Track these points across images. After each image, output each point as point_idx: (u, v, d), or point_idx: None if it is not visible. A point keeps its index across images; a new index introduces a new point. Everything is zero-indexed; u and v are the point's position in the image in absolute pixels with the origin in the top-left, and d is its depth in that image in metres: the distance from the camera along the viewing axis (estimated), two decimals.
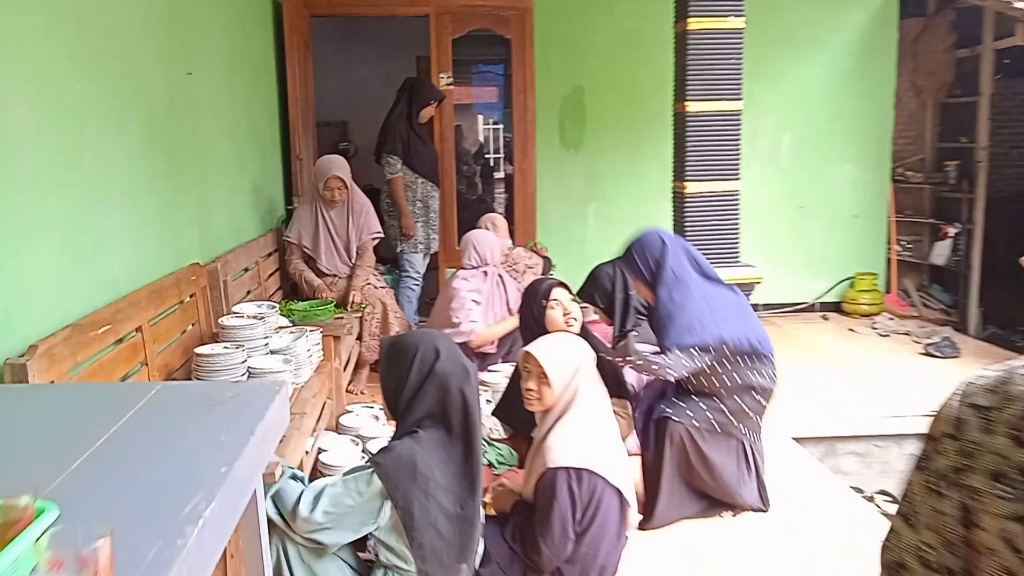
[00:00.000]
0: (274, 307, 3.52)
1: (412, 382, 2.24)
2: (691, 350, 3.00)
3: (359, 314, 4.80)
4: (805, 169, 6.71)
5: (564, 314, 3.34)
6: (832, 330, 6.43)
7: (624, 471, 2.62)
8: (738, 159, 4.31)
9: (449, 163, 6.55)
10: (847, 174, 6.87)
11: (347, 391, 4.81)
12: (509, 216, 6.91)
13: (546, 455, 2.53)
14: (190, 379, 2.97)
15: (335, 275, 5.03)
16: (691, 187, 4.23)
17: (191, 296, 3.47)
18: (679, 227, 4.41)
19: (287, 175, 5.81)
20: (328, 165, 4.88)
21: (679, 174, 4.35)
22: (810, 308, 6.95)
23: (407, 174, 5.78)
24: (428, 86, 5.97)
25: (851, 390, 4.86)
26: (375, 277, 5.14)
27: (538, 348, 2.68)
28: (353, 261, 5.03)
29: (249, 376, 3.03)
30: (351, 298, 4.80)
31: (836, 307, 6.98)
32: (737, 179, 4.31)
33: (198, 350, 2.97)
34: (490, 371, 4.71)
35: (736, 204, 4.33)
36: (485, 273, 4.83)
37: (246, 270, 4.46)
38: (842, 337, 6.18)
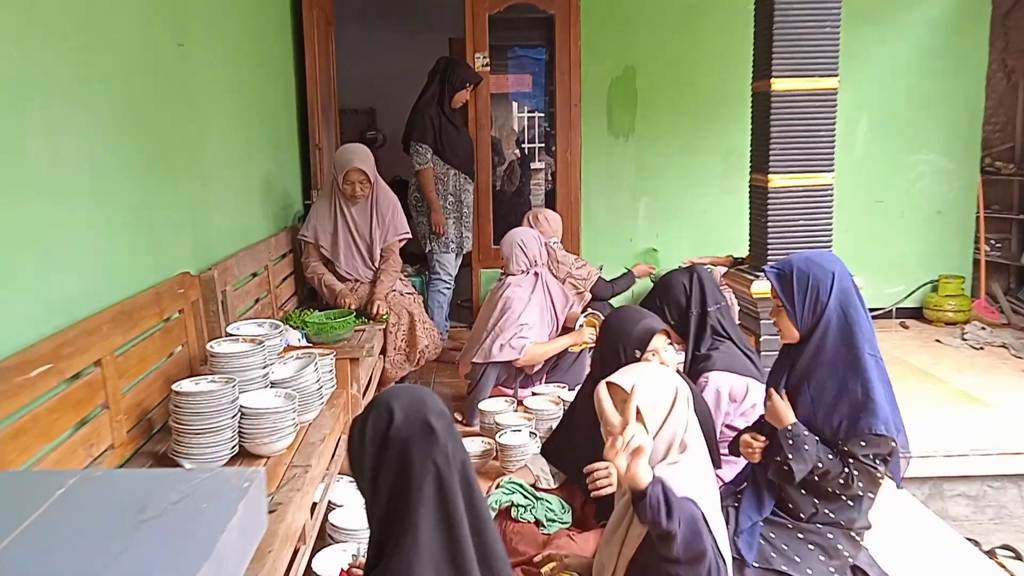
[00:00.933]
0: (278, 327, 2.91)
1: (367, 463, 1.62)
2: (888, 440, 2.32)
3: (383, 326, 4.19)
4: (883, 159, 5.97)
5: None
6: (915, 341, 5.70)
7: None
8: (832, 147, 3.62)
9: (484, 153, 5.93)
10: (930, 165, 6.12)
11: None
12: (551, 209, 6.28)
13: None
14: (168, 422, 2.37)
15: (357, 280, 4.43)
16: (776, 180, 3.56)
17: (179, 313, 2.87)
18: (758, 229, 3.73)
19: (305, 167, 5.21)
20: (348, 156, 4.27)
21: (760, 164, 3.68)
22: (887, 315, 6.22)
23: (438, 165, 5.17)
24: (463, 67, 5.34)
25: (952, 417, 4.16)
26: (402, 283, 4.52)
27: (627, 381, 2.01)
28: (377, 265, 4.42)
29: (242, 418, 2.43)
30: (374, 308, 4.19)
31: (916, 314, 6.24)
32: (831, 171, 3.63)
33: (176, 387, 2.37)
34: (534, 394, 4.07)
35: (829, 201, 3.65)
36: (536, 275, 4.21)
37: (255, 275, 3.87)
38: (929, 350, 5.46)
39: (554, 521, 2.78)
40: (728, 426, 3.10)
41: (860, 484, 2.33)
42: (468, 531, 1.58)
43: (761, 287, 3.57)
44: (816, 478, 2.38)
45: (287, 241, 4.48)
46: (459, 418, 4.16)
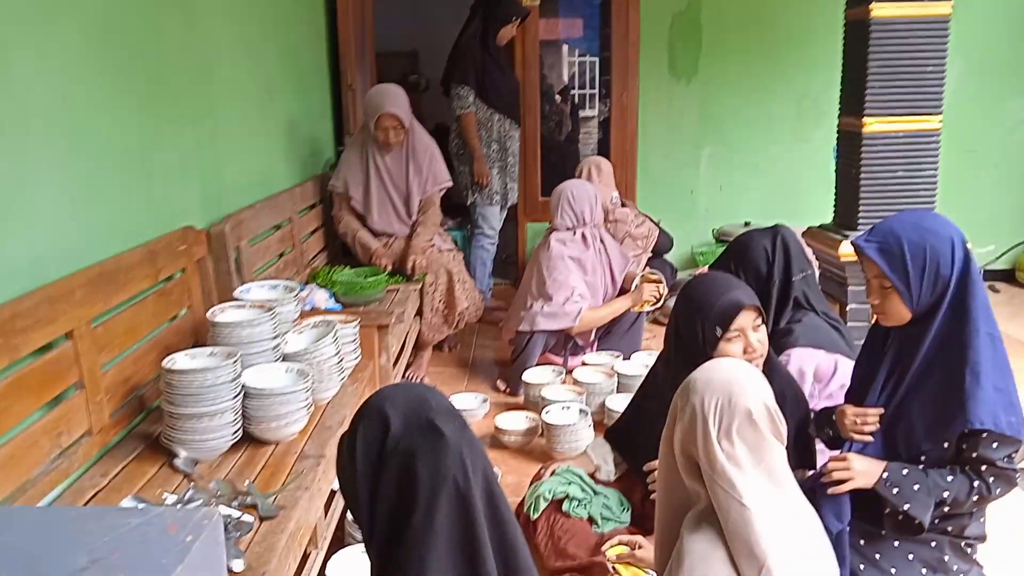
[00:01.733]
0: (293, 289, 2.53)
1: (361, 485, 1.25)
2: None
3: (418, 285, 3.80)
4: (978, 104, 5.33)
5: (745, 351, 2.15)
6: (1007, 307, 5.13)
7: None
8: (942, 85, 3.09)
9: (532, 98, 5.45)
10: None
11: (404, 379, 3.85)
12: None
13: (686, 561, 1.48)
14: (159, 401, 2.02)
15: (391, 235, 4.04)
16: (872, 124, 3.05)
17: (180, 272, 2.51)
18: (847, 182, 3.23)
19: (337, 109, 4.80)
20: (380, 99, 3.84)
21: (852, 106, 3.16)
22: None
23: (481, 109, 4.71)
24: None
25: None
26: (440, 238, 4.12)
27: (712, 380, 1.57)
28: (413, 218, 4.02)
29: (245, 399, 2.06)
30: (409, 265, 3.80)
31: (1008, 276, 5.65)
32: (938, 114, 3.11)
33: (167, 362, 2.01)
34: (585, 364, 3.66)
35: (935, 150, 3.13)
36: (584, 237, 3.75)
37: (277, 228, 3.50)
38: (1021, 318, 4.90)
39: (610, 520, 2.38)
40: (812, 409, 2.66)
41: (999, 491, 1.89)
42: (494, 564, 1.19)
43: (852, 249, 3.08)
44: (947, 510, 1.94)
45: (316, 191, 4.10)
46: (502, 387, 3.77)
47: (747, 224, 5.30)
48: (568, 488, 2.42)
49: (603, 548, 2.05)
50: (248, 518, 1.69)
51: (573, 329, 3.63)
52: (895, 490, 1.89)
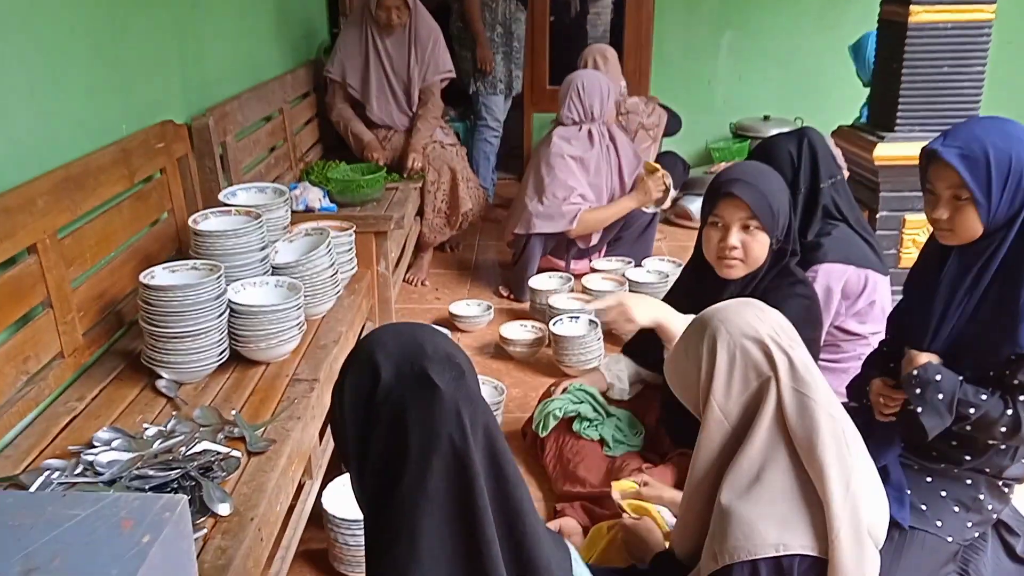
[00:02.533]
0: (283, 192, 2.32)
1: (350, 438, 1.11)
2: None
3: (419, 183, 3.58)
4: None
5: (720, 242, 2.03)
6: None
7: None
8: None
9: None
10: None
11: (405, 282, 3.70)
12: (616, 46, 5.43)
13: (732, 530, 1.34)
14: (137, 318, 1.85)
15: (390, 127, 3.78)
16: (920, 13, 2.75)
17: (160, 173, 2.30)
18: (887, 78, 2.96)
19: None
20: None
21: None
22: None
23: None
24: None
25: None
26: (442, 132, 3.87)
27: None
28: (414, 110, 3.76)
29: (231, 316, 1.90)
30: (409, 162, 3.57)
31: None
32: (993, 2, 2.81)
33: (144, 277, 1.83)
34: (594, 270, 3.49)
35: (986, 44, 2.84)
36: (591, 134, 3.49)
37: (268, 119, 3.26)
38: None
39: (621, 443, 2.26)
40: (839, 327, 2.51)
41: None
42: (495, 532, 1.05)
43: (888, 152, 2.85)
44: (970, 429, 1.79)
45: (309, 78, 3.81)
46: (505, 292, 3.61)
47: (766, 118, 5.03)
48: (580, 407, 2.29)
49: (610, 485, 1.93)
50: (236, 454, 1.55)
51: (572, 232, 3.43)
52: (917, 390, 1.75)
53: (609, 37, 5.45)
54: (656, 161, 4.19)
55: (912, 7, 2.78)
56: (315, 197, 3.13)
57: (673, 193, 3.72)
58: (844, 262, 2.45)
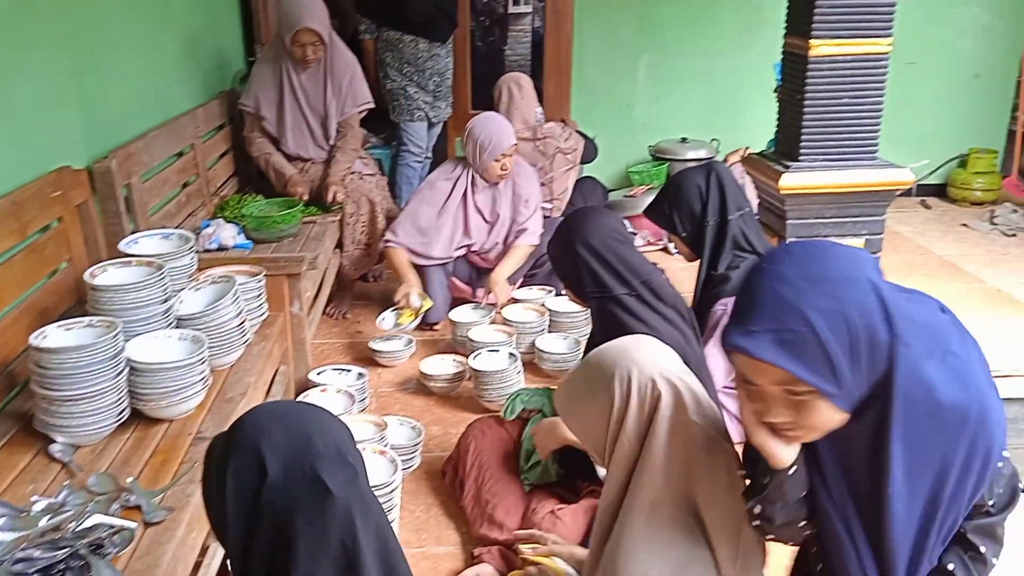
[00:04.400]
0: (189, 240, 2.26)
1: (232, 530, 1.07)
2: None
3: (338, 216, 3.55)
4: (921, 12, 5.14)
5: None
6: (939, 224, 5.12)
7: None
8: (894, 3, 2.89)
9: (462, 2, 5.07)
10: (975, 20, 5.32)
11: (326, 315, 3.66)
12: (536, 71, 5.50)
13: None
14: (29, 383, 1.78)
15: (307, 160, 3.74)
16: (819, 47, 2.85)
17: (57, 222, 2.23)
18: (791, 108, 3.05)
19: (246, 15, 4.37)
20: (297, 11, 3.47)
21: (799, 25, 2.94)
22: (907, 192, 5.60)
23: (387, 33, 4.37)
24: None
25: (992, 324, 3.63)
26: (362, 162, 3.84)
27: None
28: (331, 143, 3.72)
29: (131, 373, 1.84)
30: (330, 195, 3.53)
31: (940, 191, 5.63)
32: (889, 35, 2.92)
33: (35, 339, 1.77)
34: (515, 300, 3.50)
35: (883, 75, 2.95)
36: (465, 178, 3.54)
37: (179, 155, 3.19)
38: (955, 235, 4.89)
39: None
40: None
41: None
42: None
43: (793, 182, 2.94)
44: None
45: (223, 110, 3.75)
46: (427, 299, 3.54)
47: (684, 140, 5.13)
48: (544, 406, 2.39)
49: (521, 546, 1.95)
50: (130, 525, 1.51)
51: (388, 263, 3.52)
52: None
53: (530, 61, 5.49)
54: (576, 185, 4.24)
55: (812, 40, 2.87)
56: (229, 235, 3.07)
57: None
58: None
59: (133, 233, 2.42)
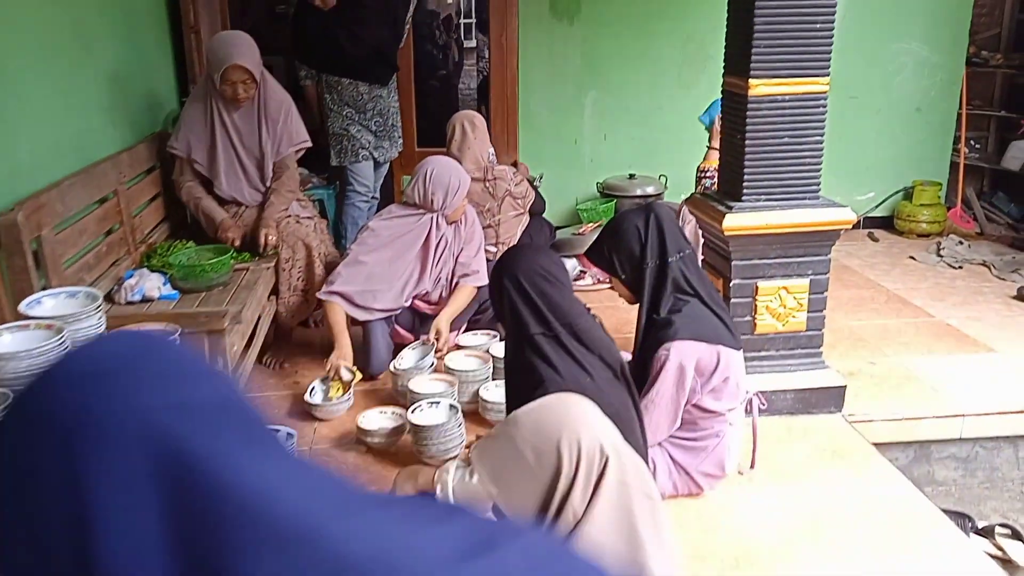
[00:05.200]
0: (96, 297, 2.11)
1: None
2: None
3: (272, 262, 3.42)
4: (861, 49, 5.22)
5: None
6: (886, 257, 5.14)
7: None
8: (830, 44, 2.88)
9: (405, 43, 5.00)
10: (913, 55, 5.40)
11: (262, 364, 3.51)
12: (482, 105, 5.45)
13: None
14: None
15: (241, 203, 3.61)
16: (759, 87, 2.82)
17: None
18: (732, 147, 3.01)
19: (179, 54, 4.25)
20: (226, 49, 3.36)
21: (738, 65, 2.92)
22: (855, 225, 5.59)
23: (327, 77, 4.31)
24: None
25: (944, 362, 3.62)
26: (299, 204, 3.72)
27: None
28: (268, 184, 3.60)
29: None
30: (262, 238, 3.40)
31: (886, 223, 5.67)
32: (826, 74, 2.89)
33: None
34: (459, 347, 3.39)
35: (822, 113, 2.92)
36: (419, 222, 3.42)
37: (103, 201, 3.05)
38: (903, 269, 4.91)
39: None
40: (696, 405, 2.49)
41: None
42: None
43: (736, 223, 2.89)
44: None
45: (152, 153, 3.61)
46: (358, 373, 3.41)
47: (632, 176, 5.10)
48: None
49: None
50: None
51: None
52: None
53: (477, 98, 5.44)
54: (528, 231, 4.16)
55: (751, 80, 2.84)
56: (153, 286, 2.92)
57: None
58: (696, 339, 2.45)
59: (44, 289, 2.28)
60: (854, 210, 5.53)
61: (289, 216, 3.56)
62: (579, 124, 5.32)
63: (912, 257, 5.10)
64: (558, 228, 4.96)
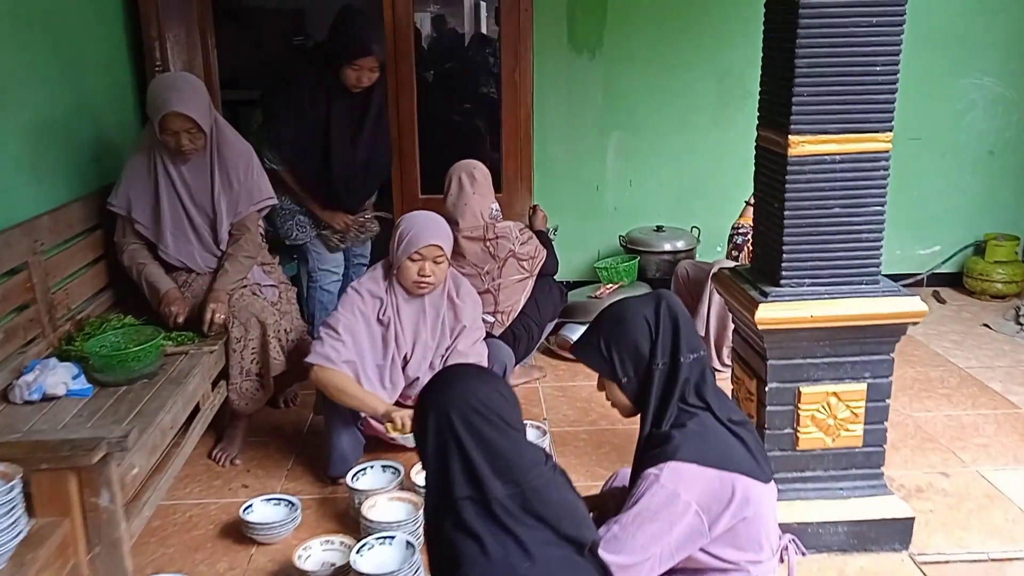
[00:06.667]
0: None
1: None
2: None
3: (219, 342, 2.90)
4: (924, 84, 4.56)
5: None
6: (956, 324, 4.44)
7: None
8: (894, 92, 2.28)
9: (407, 72, 4.51)
10: (985, 92, 4.73)
11: (211, 459, 3.00)
12: (493, 150, 4.92)
13: None
14: None
15: (192, 270, 3.11)
16: (800, 144, 2.22)
17: None
18: (768, 217, 2.41)
19: (142, 97, 3.78)
20: (165, 94, 2.89)
21: (774, 117, 2.32)
22: (918, 283, 4.94)
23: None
24: (358, 24, 3.43)
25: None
26: (264, 270, 3.22)
27: None
28: (223, 248, 3.10)
29: None
30: (207, 314, 2.89)
31: (954, 281, 4.97)
32: (888, 129, 2.29)
33: None
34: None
35: (883, 177, 2.31)
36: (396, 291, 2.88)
37: (13, 272, 2.57)
38: (976, 339, 4.20)
39: None
40: (704, 551, 1.87)
41: None
42: None
43: (773, 314, 2.28)
44: None
45: (92, 211, 3.12)
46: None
47: (659, 228, 4.50)
48: None
49: None
50: None
51: (312, 378, 2.75)
52: None
53: (488, 137, 4.91)
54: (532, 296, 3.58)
55: (791, 137, 2.24)
56: (58, 381, 2.43)
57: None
58: (699, 462, 1.84)
59: None
60: (917, 266, 4.97)
61: (245, 287, 3.04)
62: (601, 168, 4.75)
63: (986, 324, 4.39)
64: (572, 288, 4.39)
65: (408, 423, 2.55)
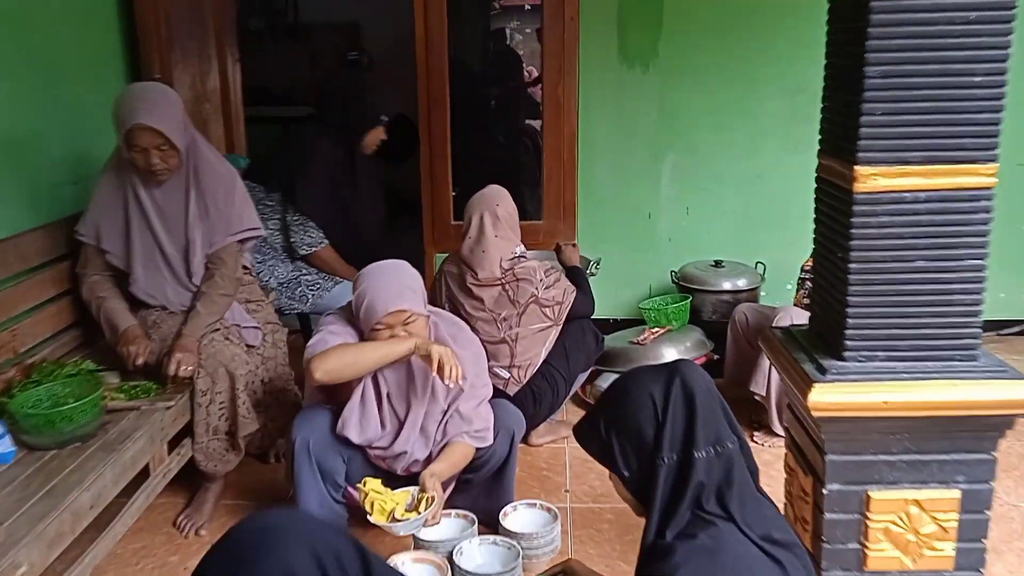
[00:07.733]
0: None
1: None
2: None
3: (172, 402, 2.50)
4: None
5: None
6: None
7: None
8: (999, 113, 1.73)
9: (440, 89, 4.12)
10: None
11: (176, 528, 2.62)
12: (533, 176, 4.47)
13: None
14: None
15: (164, 307, 2.75)
16: (870, 178, 1.69)
17: None
18: (829, 266, 1.87)
19: None
20: (131, 105, 2.56)
21: (837, 143, 1.80)
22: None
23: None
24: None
25: None
26: (247, 309, 2.84)
27: None
28: (197, 283, 2.73)
29: None
30: (172, 365, 2.50)
31: None
32: (992, 159, 1.73)
33: None
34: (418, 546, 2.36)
35: (984, 221, 1.76)
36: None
37: None
38: None
39: None
40: None
41: None
42: None
43: (832, 398, 1.74)
44: None
45: (53, 240, 2.80)
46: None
47: (718, 264, 3.96)
48: None
49: None
50: None
51: (313, 378, 2.28)
52: None
53: (525, 161, 4.46)
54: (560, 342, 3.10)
55: (859, 168, 1.71)
56: None
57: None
58: None
59: None
60: (1021, 310, 4.28)
61: (217, 331, 2.65)
62: (654, 195, 4.23)
63: None
64: (618, 328, 3.89)
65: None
